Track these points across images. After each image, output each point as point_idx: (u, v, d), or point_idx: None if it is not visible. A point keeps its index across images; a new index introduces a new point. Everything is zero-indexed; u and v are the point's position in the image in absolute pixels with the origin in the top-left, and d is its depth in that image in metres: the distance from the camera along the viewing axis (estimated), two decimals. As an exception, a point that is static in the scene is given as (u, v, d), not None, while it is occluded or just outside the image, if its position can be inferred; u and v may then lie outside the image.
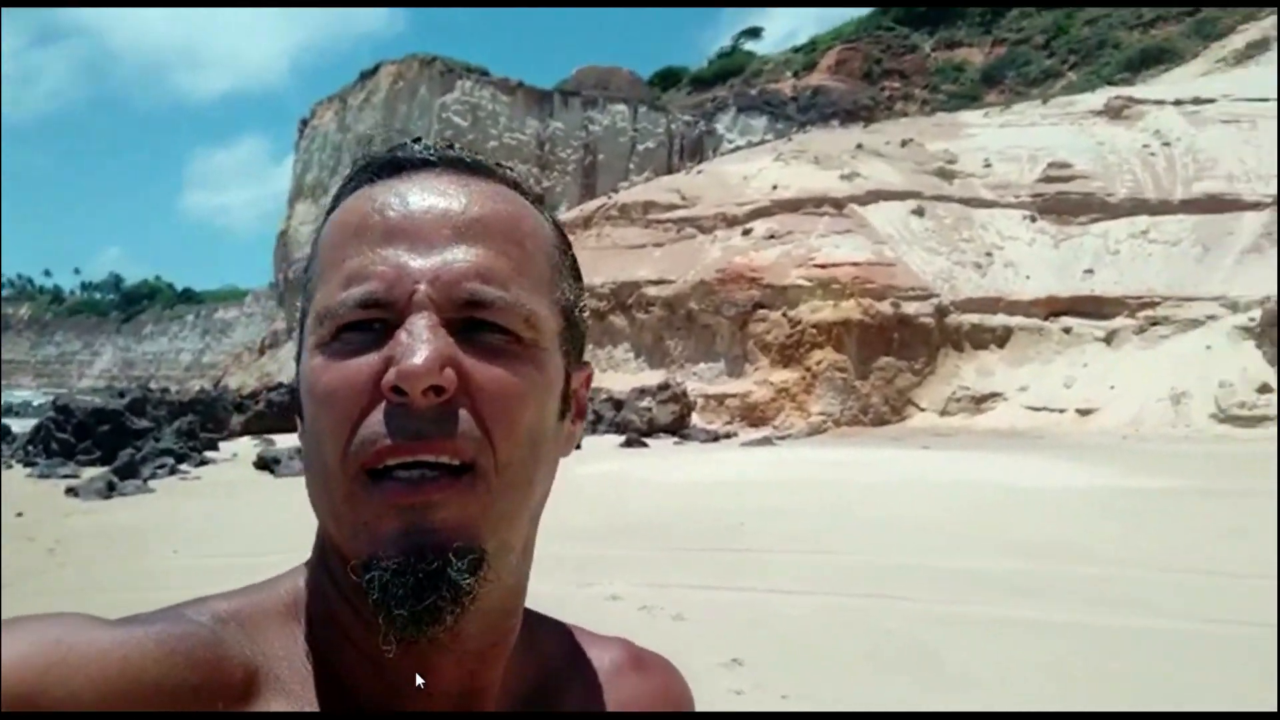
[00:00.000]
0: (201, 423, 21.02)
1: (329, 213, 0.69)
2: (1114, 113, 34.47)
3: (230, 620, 0.62)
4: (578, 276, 0.72)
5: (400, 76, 58.17)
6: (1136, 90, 38.76)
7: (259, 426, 23.97)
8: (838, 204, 29.81)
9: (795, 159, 33.47)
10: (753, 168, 33.92)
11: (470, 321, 0.62)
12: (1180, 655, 5.35)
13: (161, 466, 15.95)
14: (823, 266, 27.02)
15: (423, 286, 0.61)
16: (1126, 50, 60.27)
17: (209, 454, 18.74)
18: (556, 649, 0.77)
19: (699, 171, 37.70)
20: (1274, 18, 57.05)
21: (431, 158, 0.67)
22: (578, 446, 0.75)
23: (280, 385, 30.48)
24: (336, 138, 60.52)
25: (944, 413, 25.39)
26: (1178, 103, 34.50)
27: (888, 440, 21.97)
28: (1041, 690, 4.88)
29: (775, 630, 6.06)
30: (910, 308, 26.22)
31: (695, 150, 60.63)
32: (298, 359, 0.66)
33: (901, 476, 14.37)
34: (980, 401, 25.31)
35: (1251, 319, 23.73)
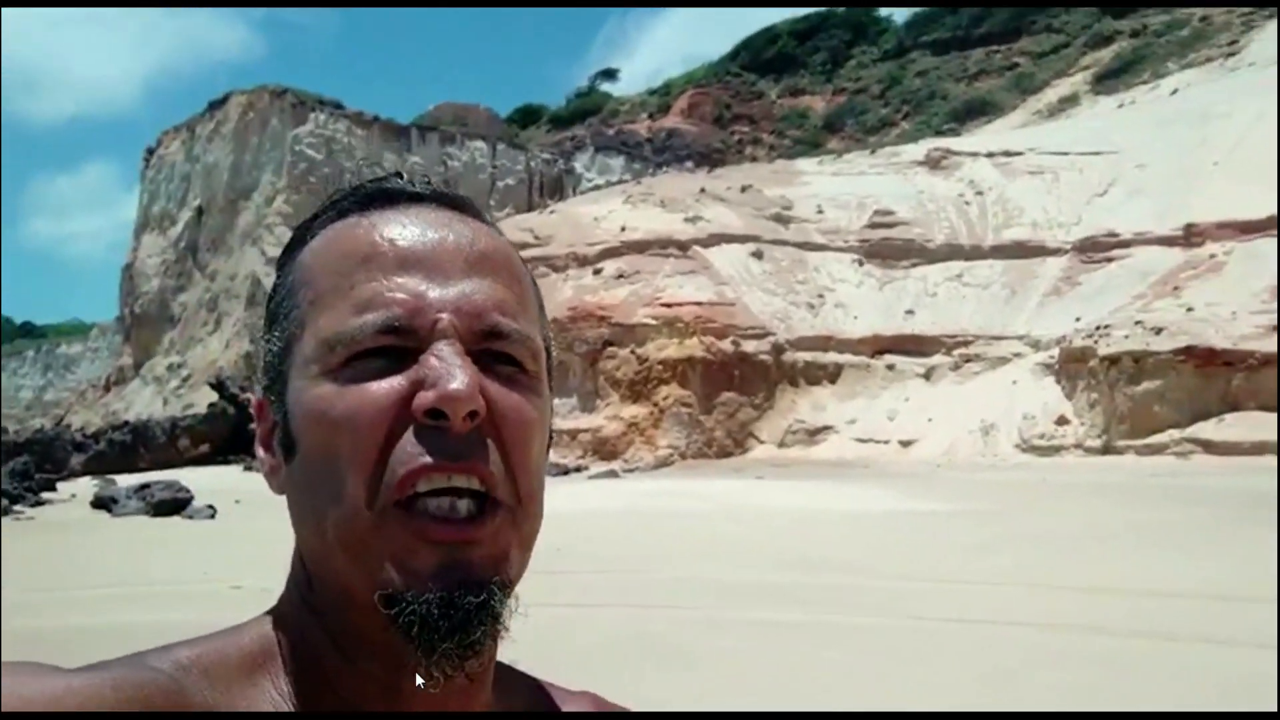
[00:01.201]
0: (38, 463, 20.66)
1: (302, 239, 0.69)
2: (933, 163, 37.33)
3: (193, 668, 0.61)
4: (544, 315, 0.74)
5: (250, 107, 57.10)
6: (954, 142, 41.97)
7: (100, 466, 23.60)
8: (682, 246, 31.41)
9: (643, 201, 34.99)
10: (603, 209, 35.26)
11: (485, 352, 0.63)
12: (885, 647, 6.55)
13: (-7, 509, 15.76)
14: (668, 306, 28.49)
15: (446, 315, 0.62)
16: (953, 101, 64.87)
17: (46, 495, 18.46)
18: (526, 700, 0.75)
19: (552, 211, 38.89)
20: (1081, 75, 62.72)
21: (425, 191, 0.68)
22: None
23: (125, 424, 29.70)
24: (185, 168, 58.97)
25: (782, 444, 27.05)
26: (990, 154, 37.64)
27: (729, 471, 23.40)
28: (767, 677, 5.94)
29: (550, 635, 6.94)
30: (749, 346, 27.90)
31: (555, 188, 61.55)
32: (271, 390, 0.66)
33: (725, 505, 15.62)
34: (814, 434, 27.09)
35: (1051, 356, 26.30)
